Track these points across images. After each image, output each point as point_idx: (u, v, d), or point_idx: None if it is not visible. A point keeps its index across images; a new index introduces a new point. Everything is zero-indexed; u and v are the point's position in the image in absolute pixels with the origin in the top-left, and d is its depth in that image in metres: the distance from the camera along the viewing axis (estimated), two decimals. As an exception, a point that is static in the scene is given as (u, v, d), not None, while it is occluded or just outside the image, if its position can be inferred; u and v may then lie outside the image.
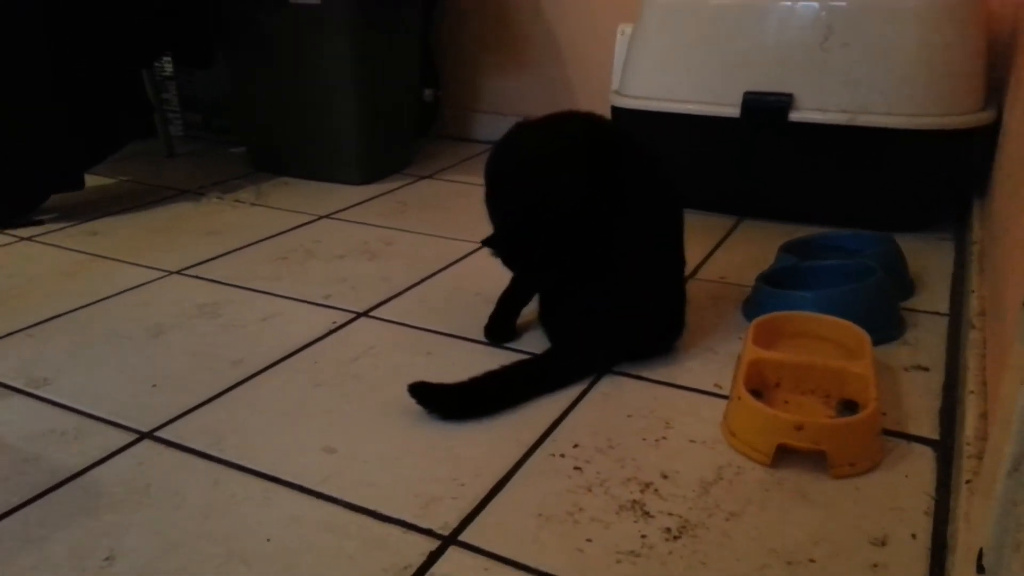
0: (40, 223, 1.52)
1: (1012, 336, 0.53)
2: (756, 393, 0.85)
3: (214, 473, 0.79)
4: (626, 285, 0.95)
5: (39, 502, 0.75)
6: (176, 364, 1.00)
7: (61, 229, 1.49)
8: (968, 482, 0.67)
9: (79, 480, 0.78)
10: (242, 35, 1.75)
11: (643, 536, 0.69)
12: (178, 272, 1.29)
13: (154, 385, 0.95)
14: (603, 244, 0.93)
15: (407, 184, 1.77)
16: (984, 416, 0.74)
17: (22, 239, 1.45)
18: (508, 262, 0.99)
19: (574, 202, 0.93)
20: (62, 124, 1.51)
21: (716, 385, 0.93)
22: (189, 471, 0.79)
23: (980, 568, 0.50)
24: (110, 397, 0.92)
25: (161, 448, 0.83)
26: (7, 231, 1.48)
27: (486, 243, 0.97)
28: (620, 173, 0.94)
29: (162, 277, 1.27)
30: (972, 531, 0.57)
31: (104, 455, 0.82)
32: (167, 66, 2.10)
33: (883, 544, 0.68)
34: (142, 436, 0.85)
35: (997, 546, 0.49)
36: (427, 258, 1.33)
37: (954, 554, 0.64)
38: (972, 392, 0.80)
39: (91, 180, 1.66)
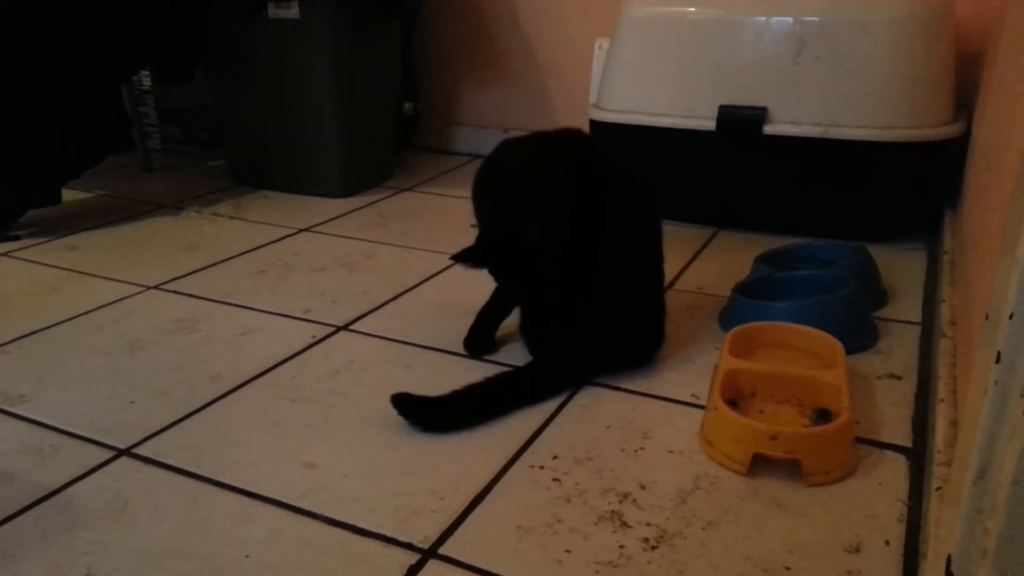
0: (17, 238, 1.51)
1: (978, 347, 0.55)
2: (732, 403, 0.86)
3: (193, 490, 0.78)
4: (607, 299, 0.96)
5: (16, 520, 0.74)
6: (154, 380, 0.99)
7: (38, 244, 1.48)
8: (938, 489, 0.68)
9: (56, 498, 0.78)
10: (222, 49, 1.75)
11: (621, 546, 0.70)
12: (156, 287, 1.28)
13: (132, 401, 0.95)
14: (585, 259, 0.94)
15: (387, 197, 1.77)
16: (954, 424, 0.76)
17: (-2, 254, 1.44)
18: (491, 270, 0.99)
19: (558, 220, 0.94)
20: (40, 139, 1.50)
21: (693, 395, 0.94)
22: (167, 488, 0.79)
23: (949, 574, 0.51)
24: (87, 414, 0.92)
25: (139, 465, 0.83)
26: (-17, 246, 1.47)
27: (457, 258, 0.97)
28: (602, 191, 0.95)
29: (140, 292, 1.26)
30: (942, 537, 0.58)
31: (82, 472, 0.81)
32: (145, 79, 2.10)
33: (857, 551, 0.69)
34: (120, 453, 0.85)
35: (964, 552, 0.50)
36: (407, 271, 1.33)
37: (925, 560, 0.65)
38: (942, 400, 0.81)
39: (68, 194, 1.66)
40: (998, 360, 0.47)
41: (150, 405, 0.94)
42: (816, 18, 1.34)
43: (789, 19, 1.35)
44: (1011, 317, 0.45)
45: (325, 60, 1.65)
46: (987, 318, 0.52)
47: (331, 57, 1.65)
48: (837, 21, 1.33)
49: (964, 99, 1.44)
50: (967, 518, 0.49)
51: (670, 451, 0.84)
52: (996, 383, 0.47)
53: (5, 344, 1.09)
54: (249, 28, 1.67)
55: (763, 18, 1.37)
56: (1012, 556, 0.47)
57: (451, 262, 0.95)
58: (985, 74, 1.33)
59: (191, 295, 1.25)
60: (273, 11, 1.63)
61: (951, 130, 1.35)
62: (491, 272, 1.00)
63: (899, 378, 0.97)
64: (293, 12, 1.62)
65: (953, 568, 0.50)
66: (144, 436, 0.87)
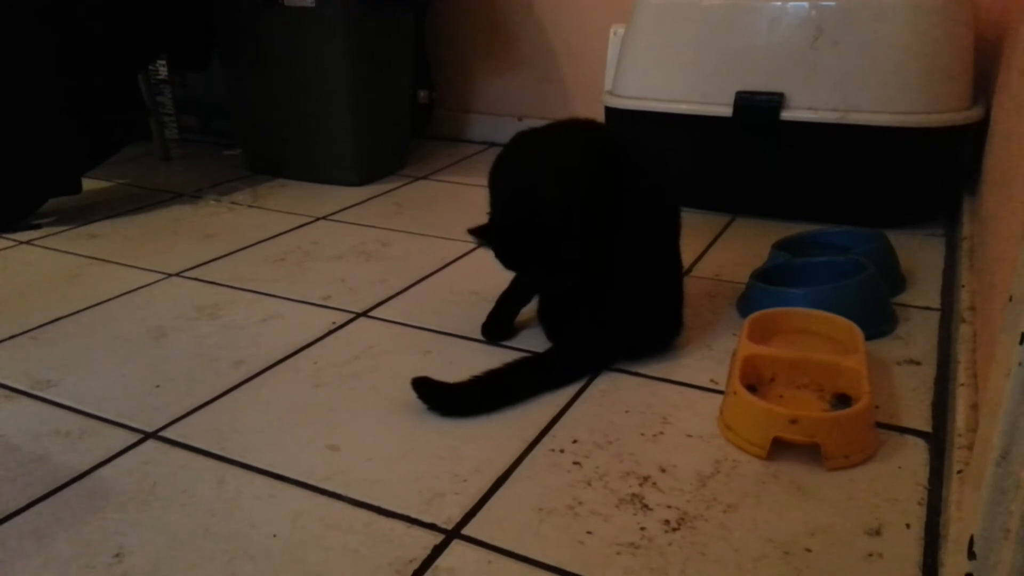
0: (38, 227, 1.52)
1: (1000, 330, 0.55)
2: (751, 388, 0.86)
3: (219, 471, 0.80)
4: (626, 286, 0.97)
5: (46, 502, 0.76)
6: (178, 365, 1.01)
7: (59, 232, 1.50)
8: (959, 472, 0.68)
9: (85, 480, 0.79)
10: (237, 37, 1.76)
11: (642, 528, 0.71)
12: (177, 274, 1.29)
13: (157, 386, 0.96)
14: (604, 248, 0.95)
15: (403, 185, 1.78)
16: (975, 408, 0.76)
17: (21, 243, 1.45)
18: (511, 266, 1.00)
19: (576, 211, 0.94)
20: (60, 128, 1.51)
21: (712, 381, 0.95)
22: (194, 470, 0.80)
23: (971, 555, 0.51)
24: (114, 398, 0.93)
25: (166, 448, 0.84)
26: (6, 235, 1.48)
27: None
28: (621, 180, 0.95)
29: (162, 279, 1.28)
30: (963, 519, 0.59)
31: (109, 455, 0.83)
32: (162, 69, 2.10)
33: (878, 534, 0.70)
34: (147, 436, 0.86)
35: (987, 533, 0.50)
36: (424, 258, 1.34)
37: (947, 542, 0.65)
38: (963, 384, 0.81)
39: (88, 183, 1.67)
40: (1021, 341, 0.47)
41: (175, 390, 0.95)
42: (833, 3, 1.33)
43: (806, 4, 1.35)
44: (1036, 298, 0.46)
45: (339, 49, 1.66)
46: (1010, 299, 0.52)
47: (345, 46, 1.65)
48: (854, 5, 1.32)
49: (983, 84, 1.43)
50: (990, 499, 0.50)
51: (689, 435, 0.84)
52: (1020, 364, 0.47)
53: (31, 330, 1.11)
54: (264, 17, 1.68)
55: (779, 3, 1.36)
56: (1035, 536, 0.47)
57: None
58: (1005, 58, 1.32)
59: (212, 282, 1.26)
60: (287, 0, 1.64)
61: (970, 115, 1.35)
62: (502, 259, 1.00)
63: (918, 363, 0.97)
64: (308, 1, 1.62)
65: (975, 549, 0.51)
66: (170, 420, 0.89)
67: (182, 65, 1.93)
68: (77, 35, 1.49)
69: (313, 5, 1.62)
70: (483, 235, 0.96)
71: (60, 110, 1.51)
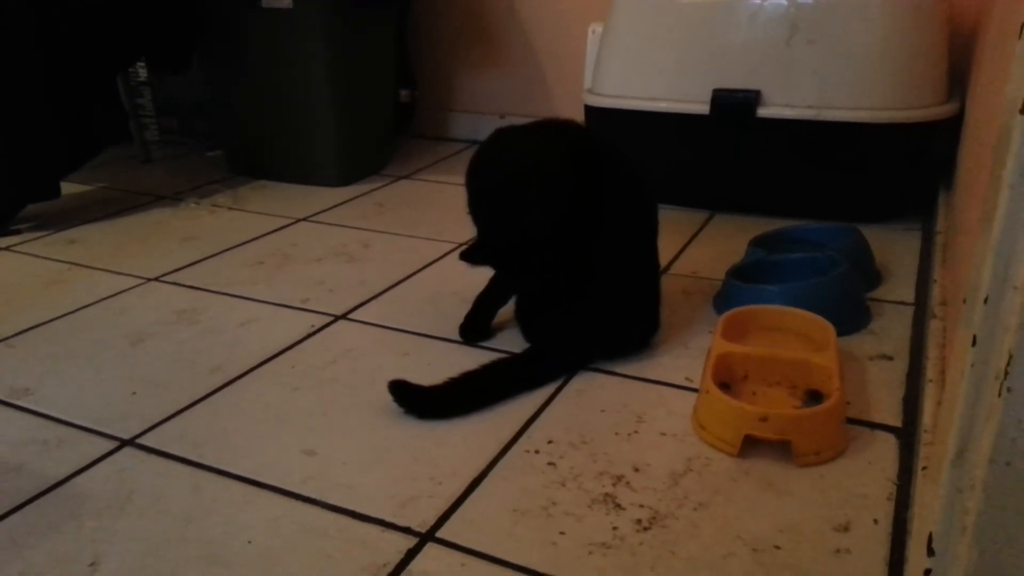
0: (17, 232, 1.52)
1: (958, 328, 0.56)
2: (725, 386, 0.87)
3: (195, 478, 0.80)
4: (603, 286, 0.97)
5: (23, 511, 0.76)
6: (156, 371, 1.01)
7: (38, 238, 1.50)
8: (924, 468, 0.69)
9: (62, 488, 0.79)
10: (216, 39, 1.75)
11: (615, 528, 0.71)
12: (156, 279, 1.29)
13: (134, 392, 0.96)
14: (583, 248, 0.95)
15: (384, 185, 1.78)
16: (941, 404, 0.77)
17: (-1, 249, 1.45)
18: (497, 268, 1.01)
19: (557, 212, 0.95)
20: (38, 133, 1.51)
21: (687, 379, 0.95)
22: (170, 477, 0.80)
23: (931, 552, 0.52)
24: (91, 406, 0.93)
25: (142, 455, 0.84)
26: (-16, 241, 1.48)
27: (465, 257, 0.99)
28: (599, 180, 0.96)
29: (140, 284, 1.28)
30: (925, 516, 0.60)
31: (86, 463, 0.83)
32: (141, 71, 2.09)
33: (846, 530, 0.71)
34: (123, 443, 0.86)
35: (945, 531, 0.51)
36: (404, 260, 1.34)
37: (912, 538, 0.66)
38: (931, 381, 0.83)
39: (67, 187, 1.66)
40: (974, 343, 0.48)
41: (152, 396, 0.95)
42: (809, 0, 1.34)
43: (783, 1, 1.35)
44: (986, 301, 0.46)
45: (319, 49, 1.65)
46: (964, 301, 0.53)
47: (325, 46, 1.65)
48: (829, 3, 1.33)
49: (959, 78, 1.44)
50: (947, 497, 0.50)
51: (663, 434, 0.85)
52: (972, 366, 0.48)
53: (8, 338, 1.11)
54: (243, 18, 1.68)
55: (757, 0, 1.37)
56: (990, 534, 0.48)
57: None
58: (978, 53, 1.33)
59: (191, 286, 1.26)
60: (266, 1, 1.63)
61: (944, 110, 1.36)
62: (495, 268, 1.01)
63: (891, 359, 0.98)
64: (286, 2, 1.62)
65: (934, 546, 0.52)
66: (147, 427, 0.89)
67: (161, 67, 1.92)
68: (55, 38, 1.48)
69: (291, 6, 1.62)
70: (474, 258, 0.98)
71: (39, 114, 1.50)
